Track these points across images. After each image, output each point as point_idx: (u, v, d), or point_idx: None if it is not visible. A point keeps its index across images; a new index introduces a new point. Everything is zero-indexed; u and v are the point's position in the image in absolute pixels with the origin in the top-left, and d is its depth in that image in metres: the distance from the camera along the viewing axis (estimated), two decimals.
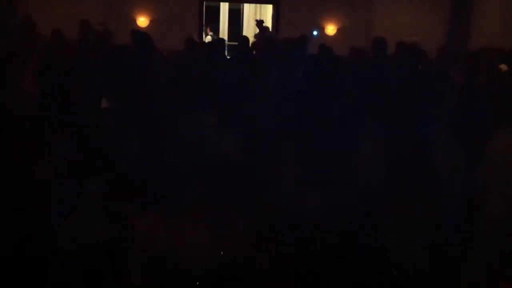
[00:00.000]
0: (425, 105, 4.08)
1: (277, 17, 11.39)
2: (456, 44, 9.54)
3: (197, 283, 2.23)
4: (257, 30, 13.03)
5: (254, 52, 7.44)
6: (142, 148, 3.54)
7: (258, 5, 13.52)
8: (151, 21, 10.86)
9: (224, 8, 13.64)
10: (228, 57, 7.40)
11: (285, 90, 4.89)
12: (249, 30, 13.83)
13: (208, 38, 11.57)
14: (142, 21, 10.87)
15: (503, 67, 5.21)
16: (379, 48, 5.18)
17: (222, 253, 2.29)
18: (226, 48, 8.31)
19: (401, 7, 10.40)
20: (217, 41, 7.77)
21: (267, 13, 13.56)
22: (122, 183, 2.91)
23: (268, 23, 13.02)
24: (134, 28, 10.20)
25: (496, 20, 10.02)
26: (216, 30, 13.30)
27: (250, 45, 7.71)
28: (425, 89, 4.41)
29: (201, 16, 11.38)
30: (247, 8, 13.79)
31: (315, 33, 10.11)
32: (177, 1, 10.73)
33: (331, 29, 10.86)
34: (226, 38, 13.40)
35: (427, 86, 4.50)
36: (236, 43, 12.81)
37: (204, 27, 11.66)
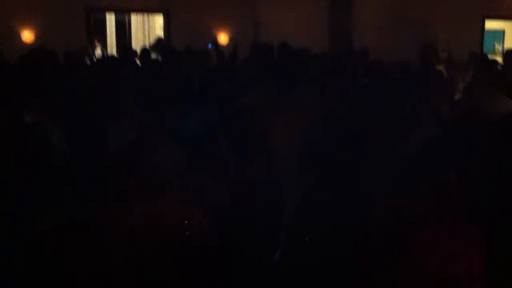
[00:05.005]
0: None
1: (168, 27, 11.41)
2: (338, 45, 10.20)
3: None
4: (147, 42, 13.05)
5: None
6: None
7: (146, 16, 13.43)
8: (36, 36, 10.40)
9: (111, 20, 13.38)
10: None
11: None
12: (138, 42, 13.71)
13: (98, 52, 11.30)
14: (26, 36, 10.37)
15: None
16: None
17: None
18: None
19: (284, 10, 10.97)
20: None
21: (155, 24, 13.54)
22: None
23: (158, 33, 13.04)
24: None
25: (373, 24, 10.92)
26: (103, 43, 12.99)
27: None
28: None
29: (88, 28, 11.10)
30: (135, 19, 13.66)
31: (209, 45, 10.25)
32: (61, 14, 10.35)
33: (223, 38, 11.15)
34: (114, 50, 13.17)
35: None
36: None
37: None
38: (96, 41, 11.78)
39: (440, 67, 6.87)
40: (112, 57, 8.85)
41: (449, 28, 10.95)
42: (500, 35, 14.09)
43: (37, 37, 10.36)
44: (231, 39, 11.06)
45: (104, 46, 12.66)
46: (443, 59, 8.46)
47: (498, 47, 14.00)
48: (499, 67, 6.69)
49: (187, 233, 2.33)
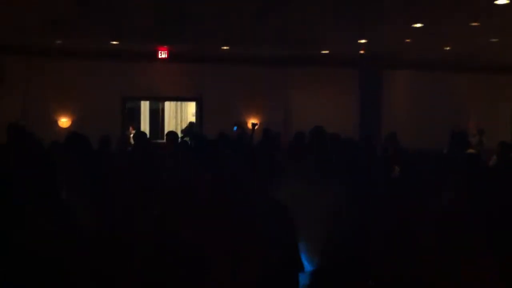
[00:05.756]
0: None
1: (200, 113, 11.77)
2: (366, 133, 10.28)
3: None
4: (178, 128, 13.41)
5: None
6: None
7: (178, 104, 13.92)
8: (73, 121, 10.82)
9: (145, 107, 13.91)
10: None
11: None
12: (170, 128, 14.12)
13: (131, 137, 11.62)
14: (64, 121, 10.80)
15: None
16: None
17: None
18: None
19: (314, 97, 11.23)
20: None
21: (187, 112, 13.97)
22: None
23: (189, 119, 13.43)
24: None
25: (401, 113, 11.01)
26: (137, 128, 13.40)
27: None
28: None
29: (124, 115, 11.53)
30: (168, 107, 14.15)
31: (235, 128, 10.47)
32: (99, 101, 10.80)
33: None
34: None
35: None
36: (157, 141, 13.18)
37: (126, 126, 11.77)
38: (131, 127, 12.18)
39: (471, 152, 6.80)
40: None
41: (480, 114, 10.98)
42: None
43: (75, 123, 10.77)
44: (262, 125, 11.27)
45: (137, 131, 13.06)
46: (474, 144, 8.41)
47: None
48: None
49: None
